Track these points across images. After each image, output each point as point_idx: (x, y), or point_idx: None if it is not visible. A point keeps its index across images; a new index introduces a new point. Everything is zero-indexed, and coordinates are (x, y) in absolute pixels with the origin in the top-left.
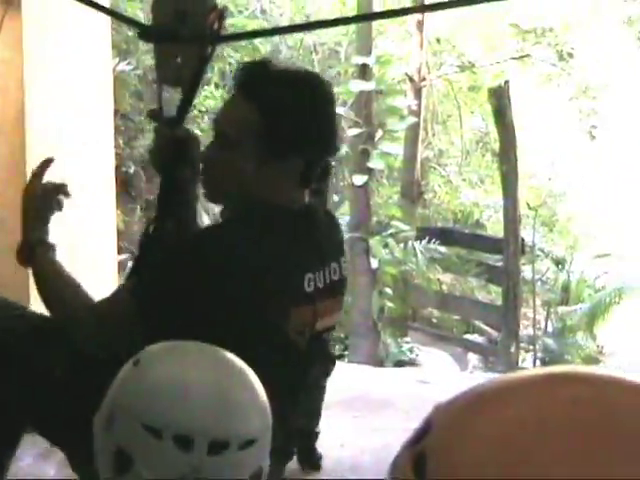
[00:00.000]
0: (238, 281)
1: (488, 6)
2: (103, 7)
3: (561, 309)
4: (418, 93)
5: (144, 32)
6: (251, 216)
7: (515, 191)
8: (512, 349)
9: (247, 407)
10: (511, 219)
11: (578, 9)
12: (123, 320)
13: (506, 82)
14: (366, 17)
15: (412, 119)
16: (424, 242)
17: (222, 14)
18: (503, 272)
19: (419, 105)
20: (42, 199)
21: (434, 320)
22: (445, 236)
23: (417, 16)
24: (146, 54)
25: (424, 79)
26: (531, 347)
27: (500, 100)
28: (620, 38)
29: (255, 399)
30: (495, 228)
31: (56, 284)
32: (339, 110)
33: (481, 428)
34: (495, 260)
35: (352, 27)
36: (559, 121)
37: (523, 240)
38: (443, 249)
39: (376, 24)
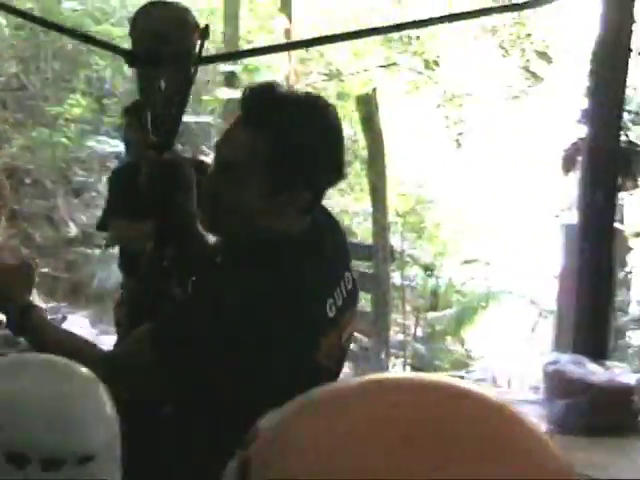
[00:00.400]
0: (264, 329)
1: (356, 15)
2: (85, 35)
3: (430, 315)
4: None
5: (131, 58)
6: (261, 255)
7: (384, 198)
8: (382, 355)
9: (85, 422)
10: (380, 226)
11: None
12: (143, 372)
13: (373, 90)
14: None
15: None
16: None
17: (205, 34)
18: (373, 279)
19: None
20: (10, 274)
21: None
22: None
23: (284, 24)
24: (9, 61)
25: (292, 87)
26: (401, 353)
27: (368, 108)
28: (484, 46)
29: (96, 412)
30: (365, 235)
31: (63, 340)
32: (207, 118)
33: (298, 436)
34: (365, 267)
35: (219, 34)
36: (427, 128)
37: (392, 247)
38: None
39: (243, 31)
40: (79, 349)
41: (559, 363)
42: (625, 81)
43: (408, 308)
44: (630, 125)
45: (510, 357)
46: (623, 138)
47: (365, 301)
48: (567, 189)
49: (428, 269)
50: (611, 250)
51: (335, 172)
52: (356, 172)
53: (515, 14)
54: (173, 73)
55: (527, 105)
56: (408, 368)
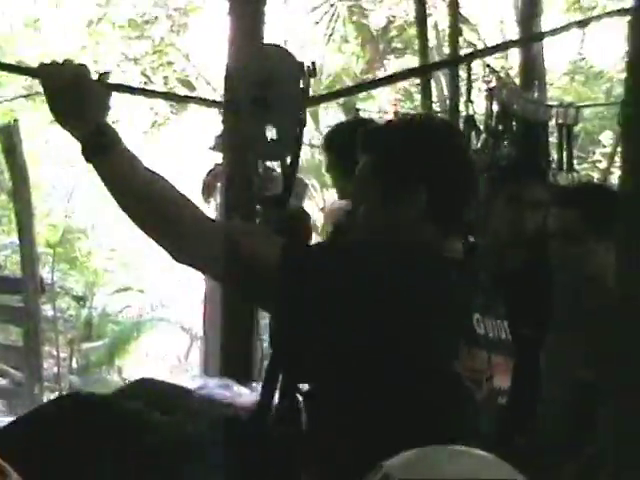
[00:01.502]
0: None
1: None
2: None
3: (85, 345)
4: None
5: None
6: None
7: (31, 229)
8: (36, 390)
9: None
10: (28, 258)
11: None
12: (260, 257)
13: (15, 120)
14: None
15: None
16: None
17: (313, 72)
18: (23, 312)
19: None
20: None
21: None
22: None
23: None
24: None
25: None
26: (57, 386)
27: (9, 139)
28: (127, 75)
29: None
30: (13, 268)
31: (158, 182)
32: None
33: None
34: (14, 300)
35: None
36: (74, 157)
37: (42, 279)
38: None
39: None
40: (181, 200)
41: (207, 388)
42: None
43: (62, 340)
44: None
45: None
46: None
47: (17, 335)
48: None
49: (81, 299)
50: None
51: (445, 180)
52: (2, 204)
53: (156, 41)
54: (284, 118)
55: (172, 131)
56: None
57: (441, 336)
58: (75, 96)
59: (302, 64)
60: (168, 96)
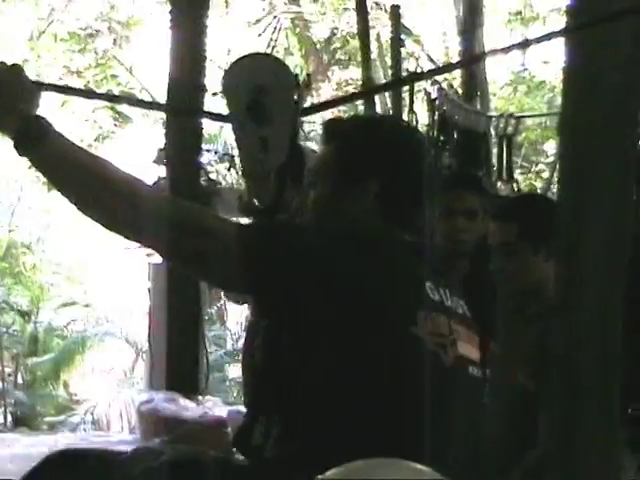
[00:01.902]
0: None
1: None
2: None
3: (30, 361)
4: None
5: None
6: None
7: None
8: None
9: None
10: None
11: None
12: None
13: None
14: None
15: None
16: None
17: (308, 83)
18: None
19: None
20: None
21: None
22: None
23: None
24: None
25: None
26: (2, 402)
27: None
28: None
29: None
30: None
31: (99, 164)
32: None
33: None
34: None
35: None
36: (15, 172)
37: None
38: None
39: None
40: (130, 175)
41: (153, 402)
42: (201, 121)
43: (7, 355)
44: (214, 163)
45: (111, 399)
46: (203, 177)
47: None
48: None
49: (25, 315)
50: (198, 286)
51: (396, 176)
52: None
53: (99, 54)
54: (275, 127)
55: (116, 145)
56: (10, 417)
57: (397, 306)
58: (7, 92)
59: (297, 75)
60: (101, 97)
